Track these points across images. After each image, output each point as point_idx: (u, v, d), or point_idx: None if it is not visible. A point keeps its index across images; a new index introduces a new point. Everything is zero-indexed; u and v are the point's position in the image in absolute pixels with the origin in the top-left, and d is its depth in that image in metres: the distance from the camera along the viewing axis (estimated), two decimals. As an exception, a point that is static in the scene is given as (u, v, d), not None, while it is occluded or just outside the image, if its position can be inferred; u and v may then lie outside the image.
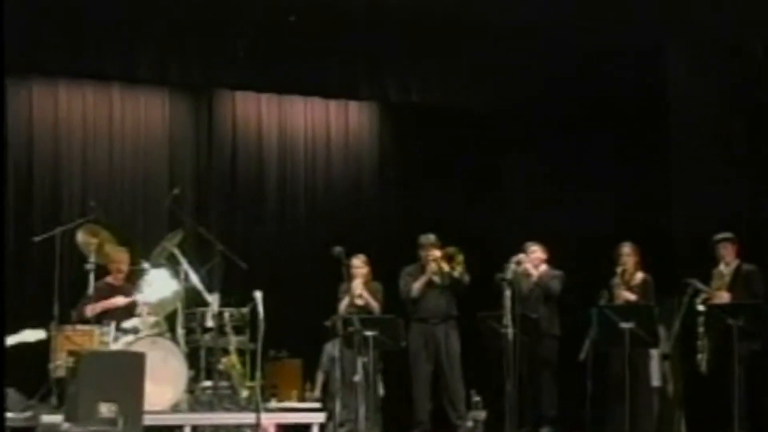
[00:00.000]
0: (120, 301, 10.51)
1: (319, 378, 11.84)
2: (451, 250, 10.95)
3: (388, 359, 10.95)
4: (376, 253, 11.79)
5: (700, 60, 11.79)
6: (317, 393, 11.60)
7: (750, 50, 11.31)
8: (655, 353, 10.73)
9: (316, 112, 13.53)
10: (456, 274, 10.92)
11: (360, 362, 10.08)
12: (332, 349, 11.44)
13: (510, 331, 9.50)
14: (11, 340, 8.81)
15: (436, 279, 11.02)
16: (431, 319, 10.99)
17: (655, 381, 11.05)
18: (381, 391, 10.82)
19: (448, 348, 10.96)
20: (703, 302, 10.14)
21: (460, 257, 10.90)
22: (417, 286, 11.02)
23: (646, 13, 11.36)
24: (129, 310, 10.41)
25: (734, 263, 10.34)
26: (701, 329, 10.10)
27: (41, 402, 9.87)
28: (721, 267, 10.38)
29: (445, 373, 10.94)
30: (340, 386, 10.61)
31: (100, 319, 10.27)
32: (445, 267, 10.93)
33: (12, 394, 9.94)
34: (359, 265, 11.01)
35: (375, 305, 10.95)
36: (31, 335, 9.14)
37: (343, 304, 10.94)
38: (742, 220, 10.89)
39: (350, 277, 10.86)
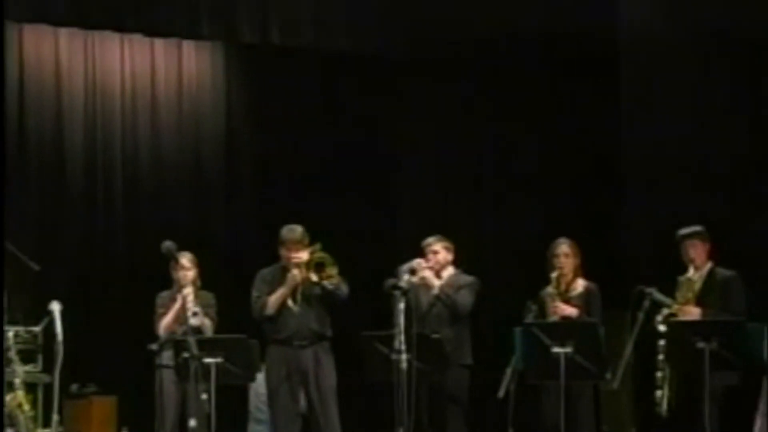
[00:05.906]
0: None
1: None
2: (320, 255, 9.66)
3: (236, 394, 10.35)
4: (222, 249, 11.48)
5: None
6: None
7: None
8: None
9: (137, 55, 12.25)
10: (328, 285, 9.64)
11: (198, 400, 8.62)
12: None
13: (404, 357, 8.62)
14: None
15: (298, 296, 9.71)
16: (296, 341, 9.62)
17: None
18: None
19: (319, 379, 9.67)
20: (665, 320, 9.15)
21: (333, 269, 9.66)
22: (273, 300, 9.61)
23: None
24: None
25: (706, 267, 9.34)
26: (661, 356, 9.19)
27: None
28: (690, 273, 9.37)
29: (315, 411, 9.65)
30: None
31: None
32: (313, 277, 9.60)
33: None
34: (186, 266, 9.73)
35: (208, 324, 9.67)
36: None
37: (166, 321, 9.62)
38: (716, 210, 10.23)
39: (179, 284, 9.61)
